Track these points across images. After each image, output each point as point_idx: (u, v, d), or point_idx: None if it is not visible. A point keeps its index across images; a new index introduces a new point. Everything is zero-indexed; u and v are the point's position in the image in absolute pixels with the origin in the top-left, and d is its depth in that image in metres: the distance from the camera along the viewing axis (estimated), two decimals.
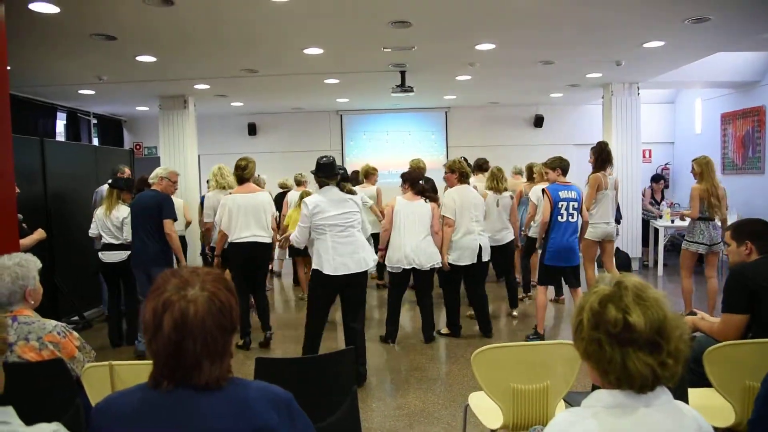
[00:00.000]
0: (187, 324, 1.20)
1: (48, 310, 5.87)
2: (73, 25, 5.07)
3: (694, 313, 3.17)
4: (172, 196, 5.38)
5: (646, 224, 9.23)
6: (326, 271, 4.18)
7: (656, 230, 8.96)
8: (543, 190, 5.45)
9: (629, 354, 1.27)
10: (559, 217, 5.22)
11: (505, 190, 6.31)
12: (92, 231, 5.64)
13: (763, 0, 4.84)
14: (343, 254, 4.23)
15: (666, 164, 11.25)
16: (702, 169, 5.89)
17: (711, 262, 5.95)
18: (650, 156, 11.14)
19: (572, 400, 2.47)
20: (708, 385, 2.56)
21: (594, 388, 2.42)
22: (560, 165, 5.47)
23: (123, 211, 5.49)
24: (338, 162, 10.40)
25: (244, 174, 5.40)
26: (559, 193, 5.26)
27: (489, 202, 6.08)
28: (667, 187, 10.47)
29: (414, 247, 5.22)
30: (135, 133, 11.72)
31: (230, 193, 5.48)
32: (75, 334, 2.53)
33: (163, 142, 9.11)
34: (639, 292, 1.31)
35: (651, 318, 1.27)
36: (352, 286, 4.32)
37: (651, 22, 5.54)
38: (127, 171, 6.46)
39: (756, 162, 8.98)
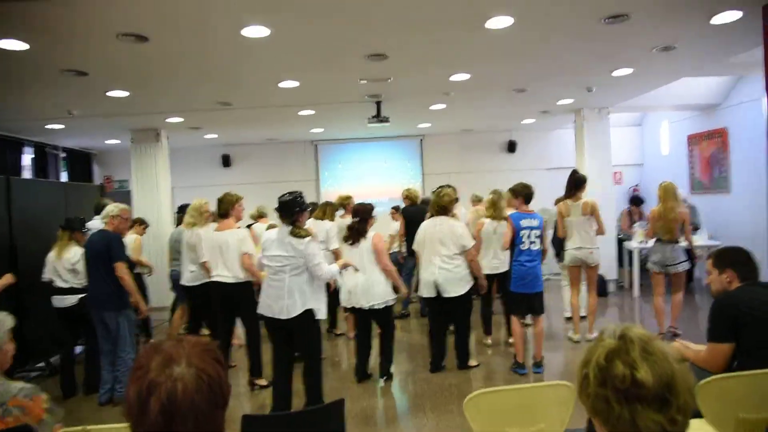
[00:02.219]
0: (175, 405, 1.11)
1: (15, 357, 5.63)
2: (44, 61, 4.97)
3: (674, 334, 3.17)
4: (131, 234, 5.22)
5: (619, 244, 9.37)
6: (257, 309, 4.31)
7: (629, 252, 9.07)
8: (506, 218, 5.48)
9: (638, 411, 1.24)
10: (521, 245, 5.25)
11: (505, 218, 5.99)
12: (45, 275, 5.41)
13: (724, 30, 5.01)
14: (269, 296, 4.20)
15: (636, 185, 11.48)
16: (661, 193, 6.18)
17: (675, 281, 6.22)
18: (621, 178, 11.35)
19: None
20: (698, 415, 2.55)
21: (588, 425, 2.39)
22: (523, 192, 5.44)
23: (74, 254, 5.28)
24: (311, 193, 10.32)
25: (220, 209, 5.31)
26: (521, 221, 5.29)
27: (487, 231, 6.02)
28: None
29: (353, 284, 5.13)
30: (105, 167, 11.50)
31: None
32: (43, 395, 2.39)
33: (135, 175, 8.95)
34: (645, 346, 1.28)
35: (659, 373, 1.24)
36: (287, 330, 4.20)
37: (621, 52, 5.70)
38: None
39: (722, 182, 9.22)
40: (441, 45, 5.10)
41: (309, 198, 11.09)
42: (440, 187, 5.73)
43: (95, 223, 6.16)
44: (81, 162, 11.02)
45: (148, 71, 5.48)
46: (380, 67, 5.72)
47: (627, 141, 11.49)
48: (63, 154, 10.38)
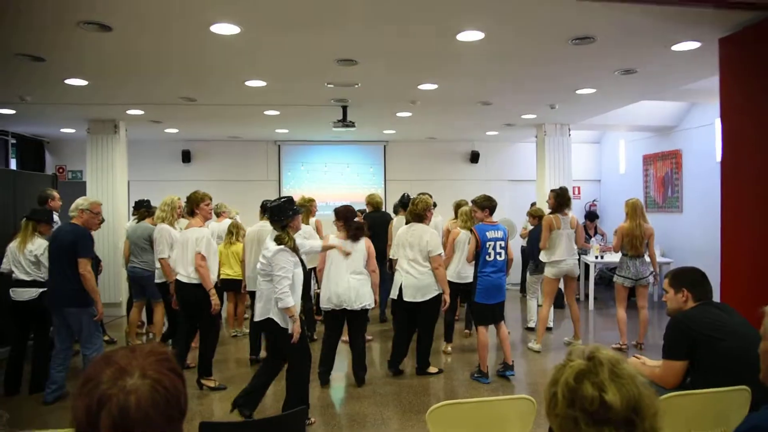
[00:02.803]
0: (128, 420, 1.03)
1: None
2: None
3: (625, 351, 3.26)
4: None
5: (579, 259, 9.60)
6: None
7: (587, 265, 9.30)
8: (471, 230, 5.53)
9: None
10: (487, 257, 5.32)
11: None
12: (3, 266, 5.20)
13: (683, 57, 5.22)
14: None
15: (594, 201, 11.80)
16: (629, 209, 6.40)
17: (641, 294, 6.50)
18: (579, 192, 11.65)
19: None
20: None
21: None
22: (488, 205, 5.52)
23: (39, 246, 5.08)
24: (272, 194, 10.19)
25: (186, 207, 5.21)
26: (487, 233, 5.35)
27: (462, 240, 6.07)
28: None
29: (344, 287, 5.09)
30: (58, 156, 11.06)
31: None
32: None
33: (90, 166, 8.65)
34: (614, 368, 1.30)
35: (627, 396, 1.27)
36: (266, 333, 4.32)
37: (585, 72, 5.85)
38: (56, 196, 6.04)
39: (674, 201, 9.57)
40: (411, 54, 5.12)
41: (270, 198, 11.06)
42: (420, 194, 5.79)
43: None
44: (32, 150, 10.55)
45: (110, 61, 5.30)
46: (349, 72, 5.70)
47: (586, 157, 11.81)
48: (13, 141, 9.94)
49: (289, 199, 4.29)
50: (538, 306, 7.54)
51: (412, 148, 11.58)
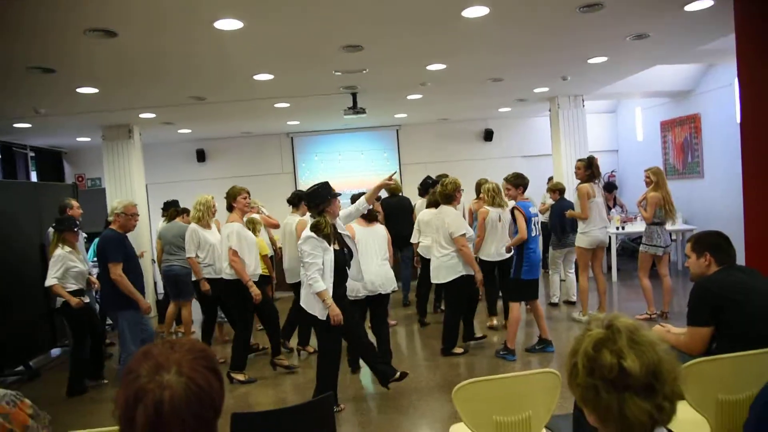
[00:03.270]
0: (161, 417, 1.05)
1: None
2: (7, 58, 4.81)
3: (655, 320, 3.23)
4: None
5: None
6: None
7: (609, 237, 9.19)
8: (515, 208, 5.48)
9: (626, 400, 1.26)
10: (531, 233, 5.36)
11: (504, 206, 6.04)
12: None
13: (696, 17, 5.08)
14: None
15: (612, 171, 11.63)
16: (657, 178, 6.31)
17: (664, 262, 6.44)
18: None
19: (554, 426, 2.46)
20: (681, 398, 2.59)
21: (576, 410, 2.42)
22: (522, 182, 5.60)
23: (56, 255, 5.24)
24: (288, 186, 10.22)
25: (227, 203, 5.35)
26: (530, 209, 5.41)
27: (493, 219, 6.01)
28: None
29: (375, 272, 5.10)
30: (77, 165, 11.25)
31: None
32: (27, 401, 2.32)
33: (108, 173, 8.77)
34: (632, 335, 1.29)
35: (646, 362, 1.26)
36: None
37: (595, 40, 5.73)
38: (75, 205, 6.15)
39: (695, 167, 9.39)
40: (417, 35, 5.07)
41: (286, 191, 11.05)
42: (440, 175, 5.97)
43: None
44: (51, 161, 10.76)
45: (119, 67, 5.35)
46: (356, 59, 5.68)
47: (602, 128, 11.63)
48: (32, 154, 10.12)
49: (325, 184, 4.29)
50: (561, 281, 7.50)
51: (425, 130, 11.53)
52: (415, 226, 6.96)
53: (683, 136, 9.67)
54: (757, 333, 2.61)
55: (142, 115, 8.01)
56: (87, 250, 9.81)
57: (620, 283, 8.74)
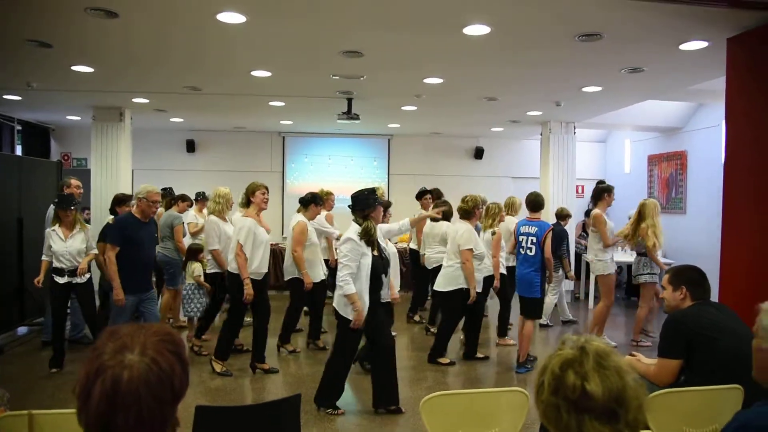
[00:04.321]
0: (118, 395, 1.05)
1: None
2: (5, 29, 4.75)
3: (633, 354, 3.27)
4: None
5: (577, 257, 9.56)
6: None
7: (587, 263, 9.28)
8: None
9: (585, 422, 1.27)
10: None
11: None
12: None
13: (690, 57, 5.19)
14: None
15: None
16: (654, 209, 6.42)
17: (651, 293, 6.56)
18: (583, 191, 11.62)
19: None
20: (646, 427, 2.62)
21: (542, 430, 2.43)
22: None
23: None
24: (275, 185, 10.16)
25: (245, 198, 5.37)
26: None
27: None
28: None
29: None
30: (63, 143, 11.10)
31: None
32: None
33: (95, 154, 8.67)
34: (600, 360, 1.31)
35: (609, 387, 1.27)
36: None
37: (591, 69, 5.83)
38: (74, 183, 6.10)
39: (678, 202, 9.54)
40: (417, 47, 5.11)
41: (274, 190, 10.94)
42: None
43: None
44: (38, 136, 10.61)
45: (116, 49, 5.31)
46: (354, 64, 5.70)
47: (591, 156, 11.77)
48: (18, 127, 9.98)
49: (372, 190, 4.38)
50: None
51: (416, 142, 11.57)
52: (422, 237, 7.09)
53: (669, 171, 9.82)
54: (726, 369, 2.65)
55: (136, 100, 7.95)
56: None
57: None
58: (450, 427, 2.38)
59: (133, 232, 4.87)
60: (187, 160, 11.10)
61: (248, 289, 4.99)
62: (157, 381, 1.08)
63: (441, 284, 5.69)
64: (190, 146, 11.17)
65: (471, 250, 5.45)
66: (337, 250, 4.24)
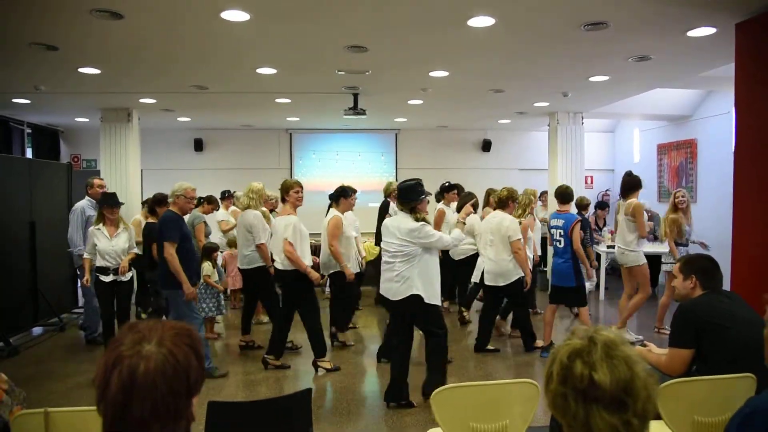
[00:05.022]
0: (134, 384, 1.08)
1: None
2: (11, 32, 4.79)
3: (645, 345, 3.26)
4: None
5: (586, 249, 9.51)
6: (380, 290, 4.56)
7: (598, 255, 9.24)
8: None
9: (593, 411, 1.27)
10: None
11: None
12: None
13: (698, 44, 5.13)
14: (384, 278, 4.44)
15: (606, 191, 11.69)
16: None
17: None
18: (592, 182, 11.56)
19: None
20: (657, 417, 2.61)
21: (552, 421, 2.44)
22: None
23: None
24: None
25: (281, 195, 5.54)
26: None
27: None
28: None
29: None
30: (73, 145, 11.19)
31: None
32: (3, 375, 2.33)
33: (103, 155, 8.72)
34: (608, 350, 1.31)
35: (617, 376, 1.27)
36: (400, 311, 4.40)
37: (598, 59, 5.78)
38: (96, 183, 6.22)
39: (689, 191, 9.43)
40: (422, 40, 5.09)
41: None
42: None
43: (83, 203, 6.44)
44: (47, 138, 10.70)
45: (122, 50, 5.34)
46: (360, 59, 5.69)
47: (599, 146, 11.70)
48: (28, 130, 10.07)
49: (419, 182, 4.41)
50: None
51: (423, 136, 11.55)
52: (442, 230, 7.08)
53: (679, 160, 9.74)
54: (737, 358, 2.64)
55: (143, 100, 7.99)
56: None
57: (607, 301, 8.77)
58: (461, 419, 2.39)
59: (185, 228, 5.06)
60: (195, 159, 11.15)
61: (313, 274, 5.14)
62: (173, 373, 1.11)
63: (500, 279, 5.75)
64: (198, 145, 11.22)
65: (520, 239, 5.67)
66: (411, 240, 4.22)
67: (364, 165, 11.52)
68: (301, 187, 5.40)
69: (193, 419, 1.18)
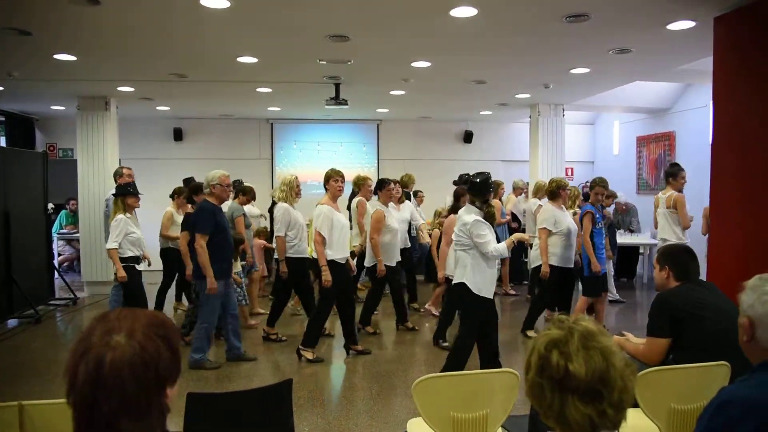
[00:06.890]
0: (100, 377, 1.04)
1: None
2: None
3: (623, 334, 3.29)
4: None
5: None
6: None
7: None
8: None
9: (568, 401, 1.28)
10: None
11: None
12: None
13: (678, 37, 5.19)
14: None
15: (586, 182, 11.78)
16: None
17: None
18: (572, 174, 11.65)
19: (511, 426, 2.49)
20: (635, 405, 2.65)
21: (532, 410, 2.46)
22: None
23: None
24: (265, 172, 10.13)
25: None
26: None
27: None
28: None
29: None
30: (48, 134, 10.96)
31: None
32: None
33: (80, 144, 8.56)
34: (585, 341, 1.31)
35: (593, 367, 1.28)
36: None
37: (579, 51, 5.82)
38: (126, 172, 6.14)
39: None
40: (404, 30, 5.07)
41: (263, 177, 10.83)
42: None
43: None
44: (21, 127, 10.45)
45: (99, 36, 5.23)
46: (341, 49, 5.65)
47: (580, 138, 11.79)
48: (1, 118, 9.83)
49: (490, 175, 4.47)
50: None
51: (405, 127, 11.54)
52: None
53: (657, 152, 9.86)
54: (714, 347, 2.68)
55: (121, 89, 7.85)
56: (53, 222, 9.60)
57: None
58: (442, 408, 2.39)
59: (221, 218, 4.99)
60: (174, 149, 11.00)
61: (326, 275, 5.05)
62: (141, 364, 1.08)
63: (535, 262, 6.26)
64: (178, 135, 11.06)
65: (544, 228, 5.86)
66: (467, 233, 4.27)
67: (345, 156, 11.47)
68: (342, 176, 5.31)
69: (168, 411, 1.15)
